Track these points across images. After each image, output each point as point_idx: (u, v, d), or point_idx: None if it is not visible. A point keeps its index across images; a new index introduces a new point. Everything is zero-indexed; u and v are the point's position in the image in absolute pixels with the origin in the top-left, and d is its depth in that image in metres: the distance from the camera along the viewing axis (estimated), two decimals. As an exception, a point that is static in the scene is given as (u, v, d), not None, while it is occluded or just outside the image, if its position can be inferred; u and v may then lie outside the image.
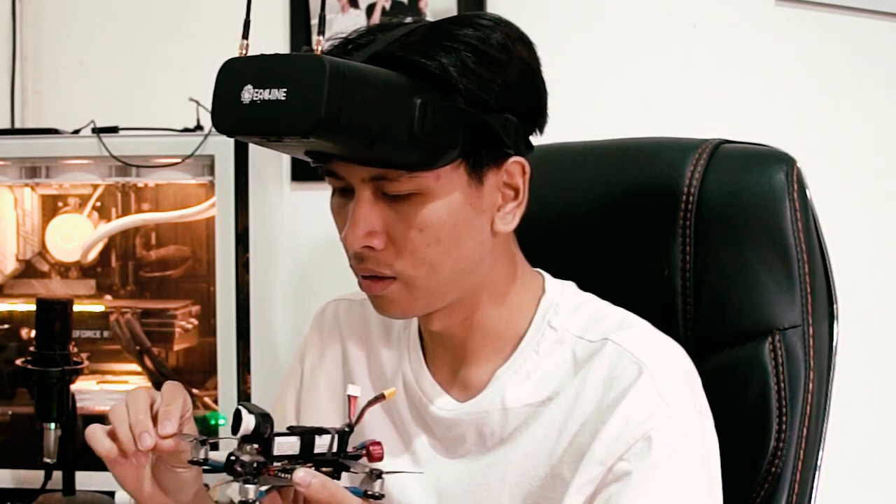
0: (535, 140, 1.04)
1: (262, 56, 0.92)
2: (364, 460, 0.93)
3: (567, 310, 1.06)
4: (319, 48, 0.89)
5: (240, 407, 0.87)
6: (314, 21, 1.93)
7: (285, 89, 0.87)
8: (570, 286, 1.10)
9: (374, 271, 0.99)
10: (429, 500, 1.07)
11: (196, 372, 1.94)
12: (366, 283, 1.01)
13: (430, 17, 1.87)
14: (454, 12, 1.87)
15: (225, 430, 1.74)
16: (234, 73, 0.91)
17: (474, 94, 0.95)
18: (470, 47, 0.94)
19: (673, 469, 0.95)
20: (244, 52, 0.95)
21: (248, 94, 0.89)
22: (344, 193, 1.00)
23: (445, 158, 0.95)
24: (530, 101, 1.01)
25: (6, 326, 1.95)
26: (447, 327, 1.06)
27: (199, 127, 1.81)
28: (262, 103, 0.88)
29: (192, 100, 1.81)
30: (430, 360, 1.11)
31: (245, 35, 0.95)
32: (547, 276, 1.10)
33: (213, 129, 1.71)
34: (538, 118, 1.03)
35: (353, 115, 0.88)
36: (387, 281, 0.99)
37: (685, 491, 0.96)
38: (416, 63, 0.93)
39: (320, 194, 1.97)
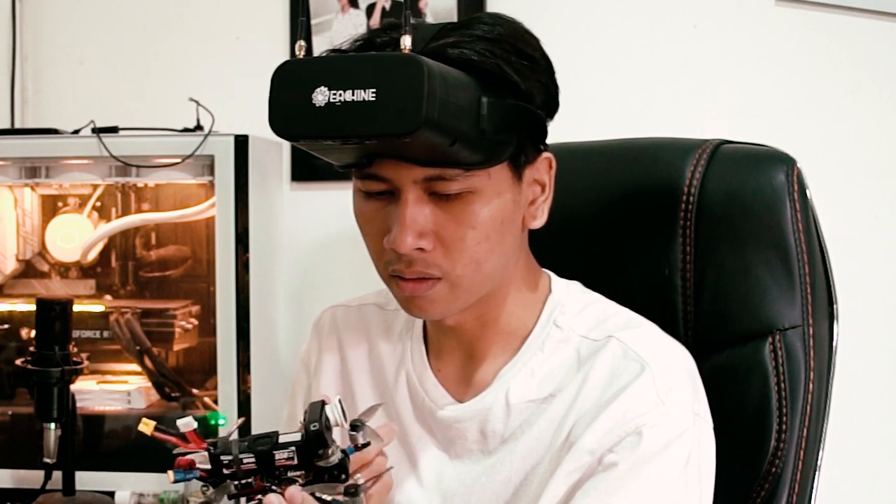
0: None
1: (336, 56, 0.91)
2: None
3: (573, 310, 1.07)
4: (408, 47, 0.87)
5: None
6: (314, 21, 1.93)
7: (374, 89, 0.85)
8: (575, 286, 1.10)
9: (423, 273, 0.97)
10: (433, 502, 1.07)
11: (196, 372, 1.94)
12: (409, 286, 0.99)
13: (430, 18, 1.87)
14: (454, 12, 1.87)
15: (223, 431, 1.74)
16: (296, 76, 0.88)
17: (526, 91, 0.96)
18: (505, 44, 0.95)
19: (658, 467, 0.96)
20: (302, 53, 0.92)
21: (321, 96, 0.86)
22: (381, 196, 0.97)
23: (504, 156, 0.96)
24: (553, 97, 1.03)
25: (6, 326, 1.95)
26: (462, 322, 1.06)
27: (199, 127, 1.81)
28: (343, 105, 0.85)
29: (192, 100, 1.81)
30: (435, 356, 1.11)
31: (304, 36, 0.93)
32: (553, 275, 1.11)
33: (214, 129, 1.73)
34: (555, 113, 1.04)
35: (445, 115, 0.87)
36: (432, 281, 0.98)
37: (666, 490, 0.96)
38: (472, 61, 0.92)
39: (320, 194, 1.98)
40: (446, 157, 0.92)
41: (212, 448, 0.91)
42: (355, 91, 0.85)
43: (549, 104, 1.02)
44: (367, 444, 0.93)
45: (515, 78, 0.94)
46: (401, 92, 0.84)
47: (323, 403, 0.91)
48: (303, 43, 0.93)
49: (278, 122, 0.90)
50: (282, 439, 0.91)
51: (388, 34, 0.96)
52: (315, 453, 0.90)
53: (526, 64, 0.96)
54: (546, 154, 1.02)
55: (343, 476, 0.91)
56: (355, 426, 0.93)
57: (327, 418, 0.90)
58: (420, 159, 0.93)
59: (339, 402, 0.92)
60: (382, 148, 0.92)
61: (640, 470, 0.95)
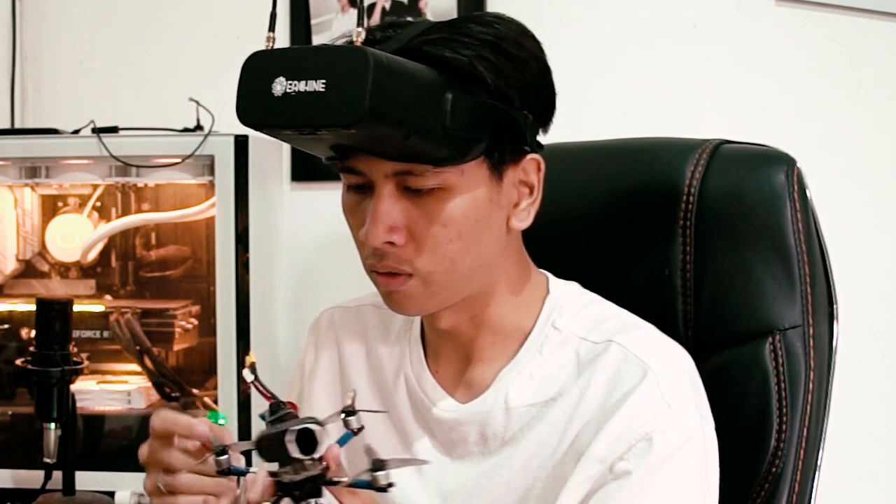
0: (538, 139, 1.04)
1: (295, 48, 0.93)
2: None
3: (572, 311, 1.06)
4: (360, 39, 0.89)
5: (309, 428, 0.85)
6: (314, 21, 1.93)
7: (324, 80, 0.86)
8: (573, 286, 1.10)
9: (394, 268, 0.98)
10: (433, 503, 1.07)
11: (196, 372, 1.94)
12: (383, 280, 1.00)
13: (430, 18, 1.87)
14: (454, 12, 1.86)
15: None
16: (262, 66, 0.90)
17: (500, 90, 0.95)
18: (489, 44, 0.95)
19: (671, 472, 0.96)
20: (271, 45, 0.94)
21: (280, 86, 0.88)
22: (360, 190, 0.99)
23: (473, 153, 0.95)
24: (545, 99, 1.02)
25: (6, 326, 1.95)
26: (456, 325, 1.06)
27: (199, 127, 1.81)
28: (297, 95, 0.87)
29: (192, 100, 1.81)
30: (433, 359, 1.10)
31: (271, 28, 0.95)
32: (550, 276, 1.11)
33: (214, 130, 1.73)
34: (550, 116, 1.04)
35: (393, 107, 0.88)
36: (404, 277, 0.99)
37: (680, 494, 0.96)
38: (444, 58, 0.93)
39: (320, 194, 1.98)
40: (408, 152, 0.92)
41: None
42: (308, 82, 0.87)
43: (539, 106, 1.01)
44: (362, 428, 0.90)
45: (488, 76, 0.94)
46: (347, 83, 0.86)
47: (305, 429, 0.86)
48: (271, 34, 0.94)
49: (242, 111, 0.92)
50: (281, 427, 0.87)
51: (384, 32, 0.97)
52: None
53: (509, 64, 0.96)
54: (533, 155, 1.01)
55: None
56: (349, 412, 0.90)
57: (281, 433, 0.86)
58: (386, 153, 0.93)
59: (309, 431, 0.86)
60: (344, 139, 0.93)
61: (655, 476, 0.95)
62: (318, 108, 0.87)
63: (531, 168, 1.02)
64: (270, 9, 0.96)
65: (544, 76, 1.02)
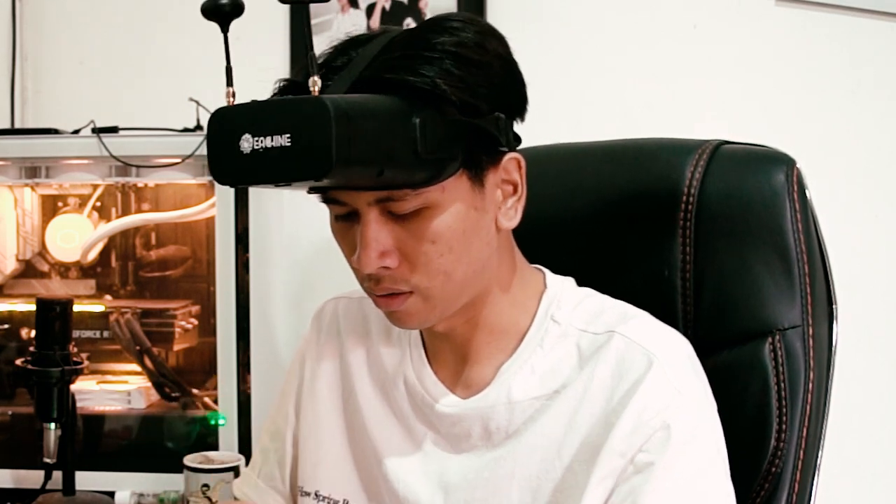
0: (526, 132, 1.04)
1: (256, 103, 0.92)
2: None
3: (569, 304, 1.07)
4: (317, 88, 0.88)
5: None
6: (315, 21, 1.93)
7: (288, 135, 0.86)
8: (569, 281, 1.11)
9: (392, 289, 0.99)
10: (435, 495, 1.07)
11: (196, 372, 1.94)
12: (383, 301, 1.00)
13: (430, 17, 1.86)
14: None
15: (224, 430, 1.74)
16: (226, 123, 0.90)
17: (466, 102, 0.95)
18: (450, 55, 0.94)
19: (693, 456, 0.96)
20: (231, 99, 0.94)
21: (246, 143, 0.88)
22: (347, 218, 0.99)
23: (449, 170, 0.95)
24: (514, 95, 1.02)
25: (6, 326, 1.95)
26: (453, 327, 1.06)
27: (199, 127, 1.81)
28: (264, 151, 0.87)
29: (192, 100, 1.81)
30: (433, 358, 1.11)
31: (229, 83, 0.95)
32: (547, 272, 1.11)
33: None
34: (523, 108, 1.03)
35: (362, 151, 0.88)
36: (404, 295, 0.99)
37: (704, 476, 0.97)
38: (406, 83, 0.92)
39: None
40: (385, 183, 0.93)
41: None
42: (273, 137, 0.87)
43: (510, 103, 1.01)
44: None
45: (453, 94, 0.93)
46: (311, 136, 0.85)
47: None
48: (231, 89, 0.95)
49: (215, 171, 0.92)
50: None
51: (345, 55, 0.97)
52: None
53: (474, 70, 0.95)
54: (512, 154, 1.01)
55: None
56: None
57: None
58: (364, 187, 0.94)
59: None
60: (319, 184, 0.94)
61: (678, 463, 0.95)
62: (287, 163, 0.87)
63: (512, 167, 1.02)
64: (225, 64, 0.95)
65: (511, 72, 1.01)
